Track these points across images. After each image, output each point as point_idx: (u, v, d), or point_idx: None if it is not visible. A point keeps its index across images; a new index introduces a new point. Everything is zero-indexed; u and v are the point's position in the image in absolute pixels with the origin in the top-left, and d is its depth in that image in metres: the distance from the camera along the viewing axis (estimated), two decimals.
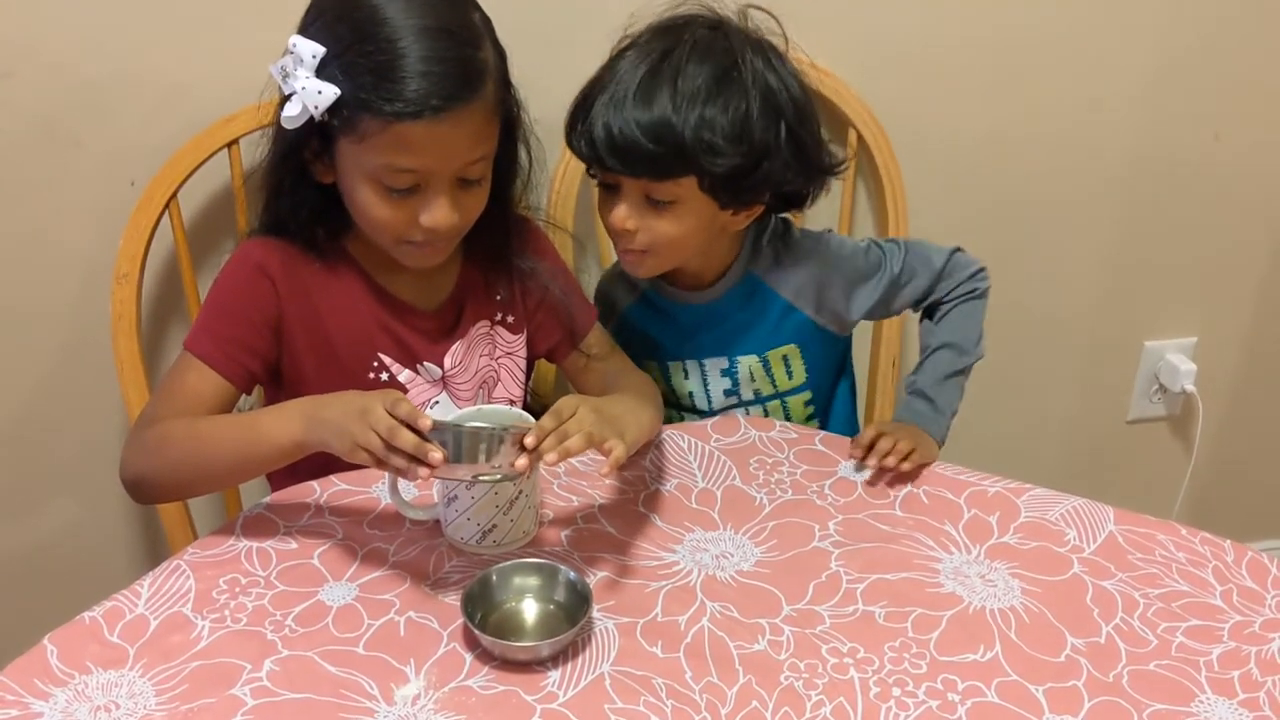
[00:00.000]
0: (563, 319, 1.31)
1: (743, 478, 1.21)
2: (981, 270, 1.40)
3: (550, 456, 1.00)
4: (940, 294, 1.37)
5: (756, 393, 1.35)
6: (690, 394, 1.37)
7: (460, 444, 0.99)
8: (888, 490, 1.19)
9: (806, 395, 1.37)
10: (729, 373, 1.34)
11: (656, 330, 1.36)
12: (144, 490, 1.15)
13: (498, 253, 1.27)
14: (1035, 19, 1.59)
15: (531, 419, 1.11)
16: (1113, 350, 1.87)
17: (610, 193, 1.23)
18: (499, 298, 1.29)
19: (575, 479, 1.20)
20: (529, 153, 1.22)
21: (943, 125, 1.62)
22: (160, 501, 1.28)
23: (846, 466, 1.23)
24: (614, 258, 1.56)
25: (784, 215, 1.34)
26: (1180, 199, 1.77)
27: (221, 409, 1.17)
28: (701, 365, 1.35)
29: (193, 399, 1.16)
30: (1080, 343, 1.85)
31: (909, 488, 1.20)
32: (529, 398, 1.38)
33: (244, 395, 1.23)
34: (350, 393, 1.05)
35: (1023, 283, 1.77)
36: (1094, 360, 1.87)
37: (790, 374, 1.34)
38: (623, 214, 1.21)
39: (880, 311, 1.38)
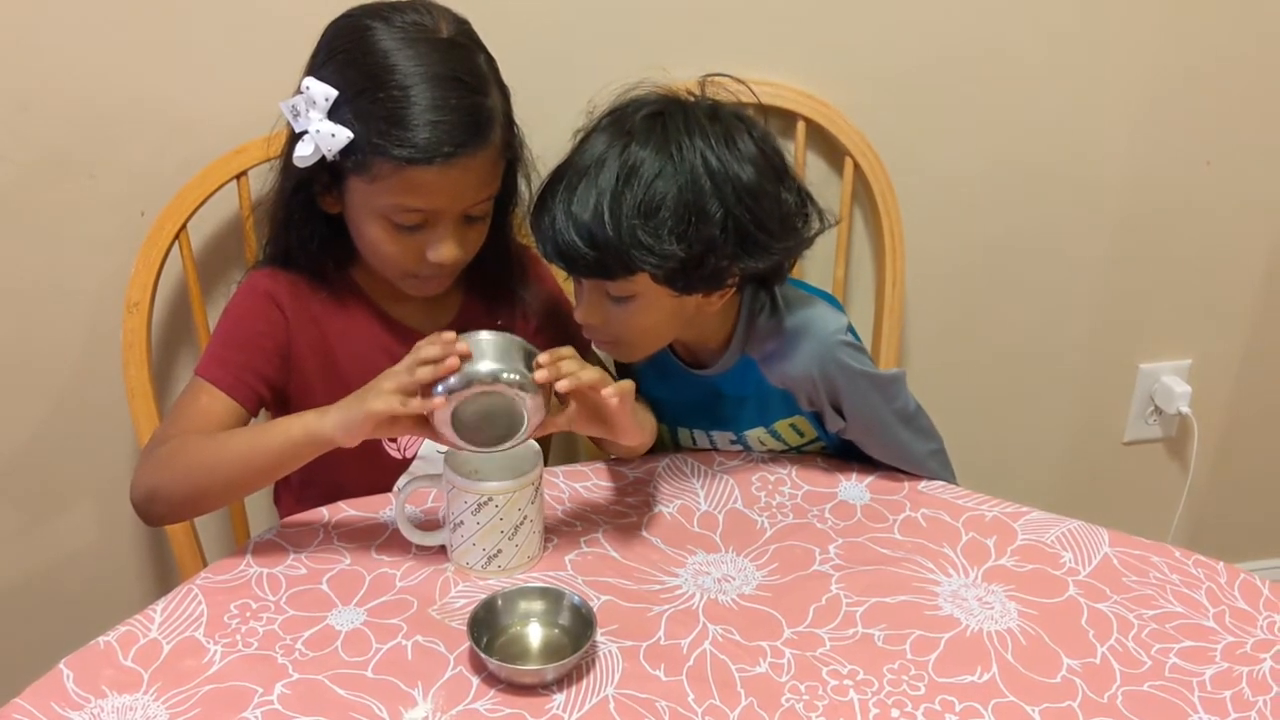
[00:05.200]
0: (555, 345, 1.33)
1: (745, 499, 1.23)
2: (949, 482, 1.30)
3: (563, 384, 1.03)
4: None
5: (770, 452, 1.32)
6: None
7: (486, 348, 1.03)
8: (887, 514, 1.21)
9: (821, 444, 1.33)
10: (738, 442, 1.31)
11: (665, 394, 1.31)
12: (155, 506, 1.15)
13: (498, 279, 1.29)
14: (1030, 50, 1.62)
15: (535, 445, 1.13)
16: (1108, 373, 1.89)
17: (576, 285, 1.19)
18: (500, 323, 1.31)
19: (579, 505, 1.22)
20: (529, 185, 1.25)
21: (938, 153, 1.64)
22: (171, 519, 1.26)
23: (847, 488, 1.25)
24: None
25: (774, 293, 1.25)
26: (1173, 224, 1.79)
27: (231, 428, 1.19)
28: (710, 435, 1.32)
29: (203, 419, 1.18)
30: (1076, 366, 1.86)
31: (907, 511, 1.22)
32: None
33: (252, 416, 1.25)
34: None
35: (1019, 307, 1.79)
36: (1090, 383, 1.88)
37: (801, 434, 1.31)
38: (583, 312, 1.17)
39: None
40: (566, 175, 1.13)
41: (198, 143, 1.39)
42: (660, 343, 1.23)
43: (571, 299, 1.23)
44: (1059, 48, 1.63)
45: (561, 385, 1.03)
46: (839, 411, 1.24)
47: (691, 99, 1.17)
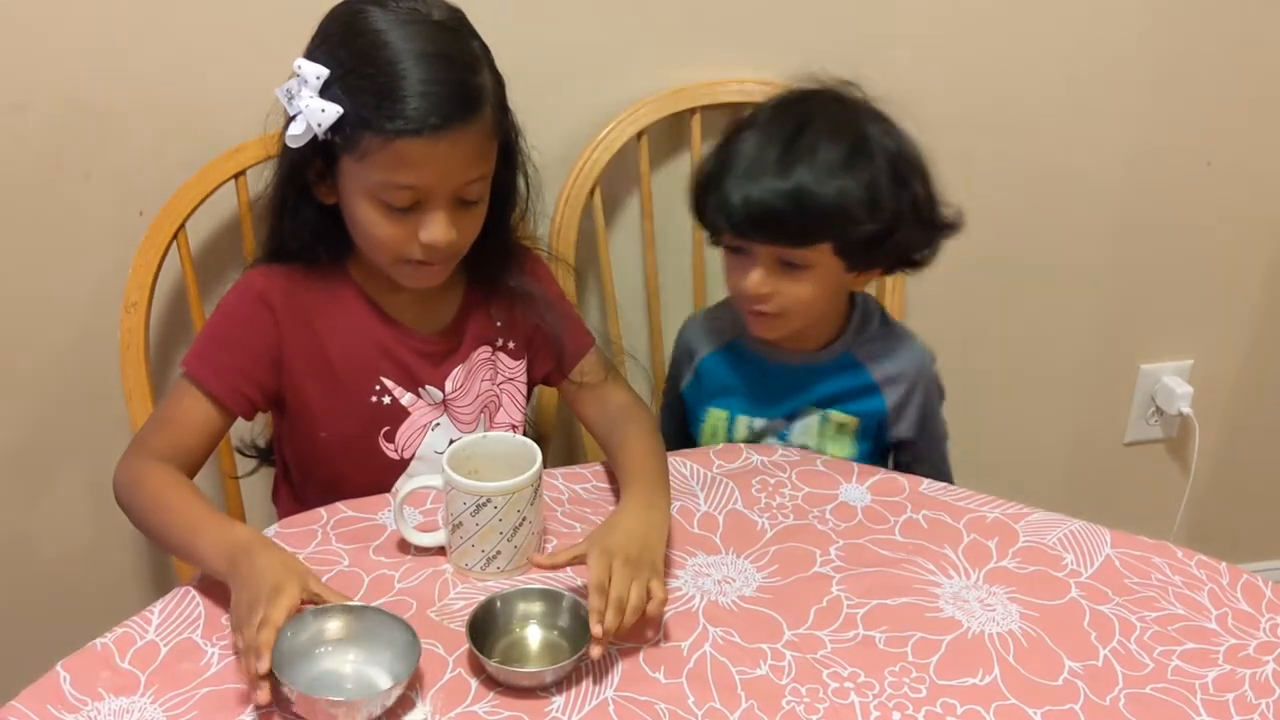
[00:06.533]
0: (554, 346, 1.33)
1: (745, 501, 1.23)
2: None
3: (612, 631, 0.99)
4: None
5: (805, 447, 1.34)
6: (745, 440, 1.37)
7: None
8: (888, 515, 1.21)
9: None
10: (789, 427, 1.35)
11: (739, 380, 1.36)
12: (125, 513, 1.16)
13: (498, 278, 1.29)
14: (1030, 51, 1.62)
15: (534, 447, 1.12)
16: (1109, 373, 1.89)
17: (741, 258, 1.24)
18: (500, 324, 1.31)
19: (578, 506, 1.22)
20: (526, 180, 1.24)
21: (938, 154, 1.63)
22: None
23: (847, 490, 1.24)
24: (617, 291, 1.59)
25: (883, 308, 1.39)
26: (1174, 224, 1.78)
27: (210, 436, 1.20)
28: (770, 421, 1.35)
29: (185, 426, 1.18)
30: (1077, 366, 1.86)
31: (909, 513, 1.21)
32: (528, 425, 1.39)
33: (247, 421, 1.25)
34: (274, 565, 1.01)
35: (1019, 308, 1.79)
36: (1091, 383, 1.88)
37: (838, 442, 1.34)
38: (757, 280, 1.23)
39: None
40: (749, 152, 1.20)
41: (195, 142, 1.39)
42: (810, 318, 1.29)
43: (570, 300, 1.24)
44: (1059, 48, 1.63)
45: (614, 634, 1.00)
46: (922, 418, 1.35)
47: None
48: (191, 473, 1.18)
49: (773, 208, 1.18)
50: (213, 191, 1.39)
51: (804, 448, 1.34)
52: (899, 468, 1.39)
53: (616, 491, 1.23)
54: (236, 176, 1.39)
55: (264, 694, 0.92)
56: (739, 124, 1.26)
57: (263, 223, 1.26)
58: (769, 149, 1.20)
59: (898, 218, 1.21)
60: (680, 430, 1.44)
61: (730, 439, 1.37)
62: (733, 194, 1.20)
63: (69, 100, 1.37)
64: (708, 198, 1.23)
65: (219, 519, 1.09)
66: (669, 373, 1.47)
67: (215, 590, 1.08)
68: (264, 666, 0.92)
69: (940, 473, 1.39)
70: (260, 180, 1.29)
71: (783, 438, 1.35)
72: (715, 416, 1.37)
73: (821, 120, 1.21)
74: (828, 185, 1.18)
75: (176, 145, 1.40)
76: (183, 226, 1.38)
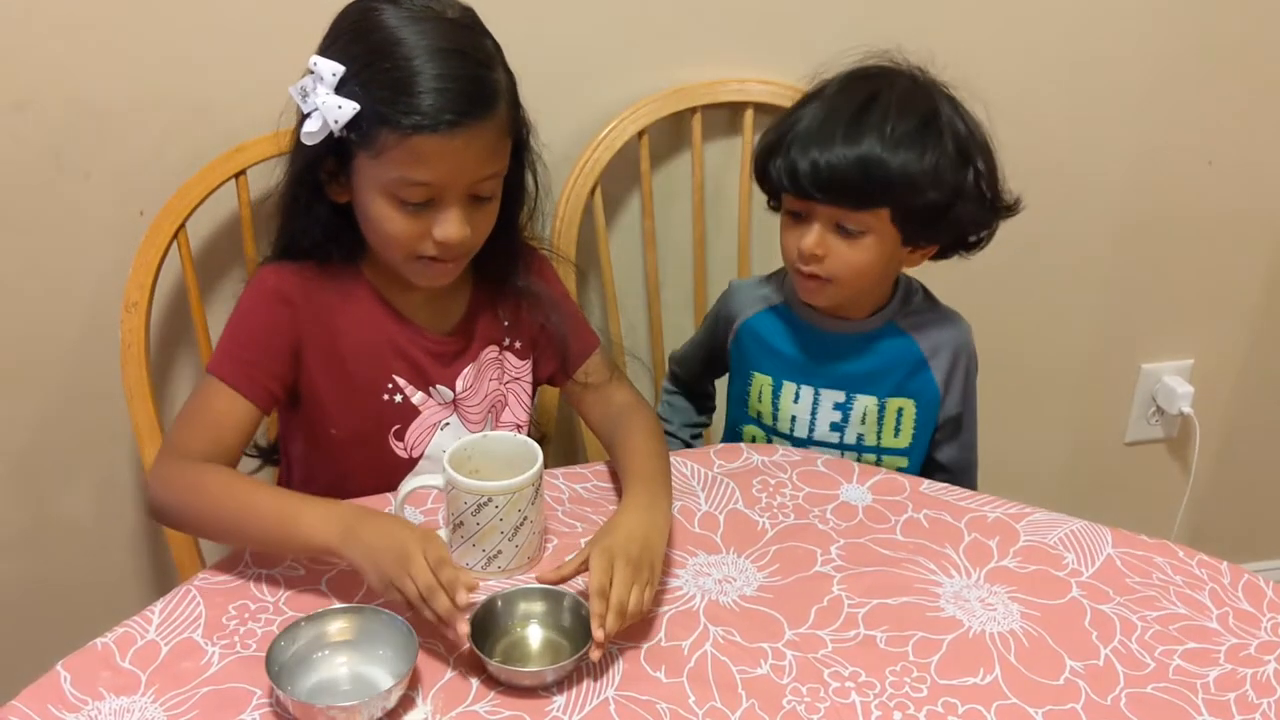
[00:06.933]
0: (559, 346, 1.33)
1: (745, 501, 1.23)
2: None
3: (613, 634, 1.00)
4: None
5: (860, 438, 1.36)
6: (793, 418, 1.37)
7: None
8: (889, 515, 1.21)
9: (903, 461, 1.37)
10: (843, 407, 1.35)
11: (782, 344, 1.37)
12: (167, 520, 1.16)
13: (506, 278, 1.29)
14: (1030, 49, 1.62)
15: (535, 446, 1.12)
16: (1110, 373, 1.89)
17: (798, 221, 1.27)
18: (507, 323, 1.31)
19: (579, 505, 1.22)
20: (535, 179, 1.24)
21: None
22: (181, 531, 1.30)
23: (848, 490, 1.24)
24: (618, 289, 1.59)
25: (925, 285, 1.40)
26: (1175, 223, 1.78)
27: (246, 433, 1.19)
28: (817, 393, 1.36)
29: (220, 425, 1.17)
30: (1078, 365, 1.86)
31: (909, 512, 1.21)
32: (532, 425, 1.39)
33: (265, 417, 1.25)
34: (393, 522, 1.04)
35: (1020, 308, 1.79)
36: (1092, 383, 1.88)
37: (898, 431, 1.36)
38: (814, 240, 1.25)
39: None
40: (818, 118, 1.23)
41: (196, 142, 1.39)
42: (859, 288, 1.31)
43: (574, 300, 1.24)
44: (1059, 49, 1.63)
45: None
46: (965, 390, 1.37)
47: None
48: None
49: (839, 171, 1.21)
50: (213, 191, 1.39)
51: (859, 440, 1.36)
52: (932, 446, 1.40)
53: (617, 491, 1.24)
54: (237, 176, 1.39)
55: (464, 627, 0.98)
56: (805, 96, 1.29)
57: (269, 221, 1.26)
58: (838, 117, 1.22)
59: (959, 192, 1.24)
60: (697, 385, 1.50)
61: (775, 406, 1.37)
62: (800, 157, 1.22)
63: (69, 100, 1.37)
64: (772, 161, 1.26)
65: (314, 499, 1.09)
66: (701, 331, 1.48)
67: (216, 590, 1.08)
68: (464, 597, 0.98)
69: (972, 455, 1.42)
70: (265, 179, 1.29)
71: (844, 415, 1.36)
72: (760, 381, 1.38)
73: (892, 94, 1.24)
74: (895, 155, 1.20)
75: (177, 145, 1.40)
76: (183, 226, 1.38)
